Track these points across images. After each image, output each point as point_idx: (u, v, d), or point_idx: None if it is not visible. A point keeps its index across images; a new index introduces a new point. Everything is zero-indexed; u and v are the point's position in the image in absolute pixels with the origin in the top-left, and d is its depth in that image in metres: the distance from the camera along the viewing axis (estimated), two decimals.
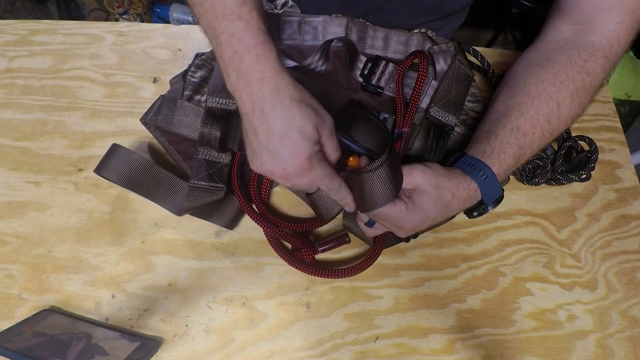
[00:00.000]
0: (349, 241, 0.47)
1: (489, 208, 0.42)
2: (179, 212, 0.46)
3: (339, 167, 0.40)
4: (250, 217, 0.46)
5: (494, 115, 0.44)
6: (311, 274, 0.45)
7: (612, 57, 0.42)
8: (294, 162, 0.34)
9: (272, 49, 0.35)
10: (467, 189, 0.39)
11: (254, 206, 0.47)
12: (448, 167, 0.41)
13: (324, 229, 0.49)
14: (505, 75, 0.48)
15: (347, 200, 0.39)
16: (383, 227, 0.42)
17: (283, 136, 0.33)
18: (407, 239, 0.47)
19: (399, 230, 0.40)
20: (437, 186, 0.38)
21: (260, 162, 0.35)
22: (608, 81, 0.46)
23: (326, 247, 0.47)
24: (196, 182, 0.45)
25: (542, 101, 0.42)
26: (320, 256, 0.48)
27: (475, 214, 0.43)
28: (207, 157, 0.46)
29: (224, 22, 0.34)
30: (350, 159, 0.40)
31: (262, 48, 0.34)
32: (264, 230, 0.47)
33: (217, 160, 0.46)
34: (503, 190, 0.42)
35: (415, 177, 0.38)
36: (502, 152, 0.40)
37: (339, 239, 0.47)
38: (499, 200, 0.42)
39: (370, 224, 0.42)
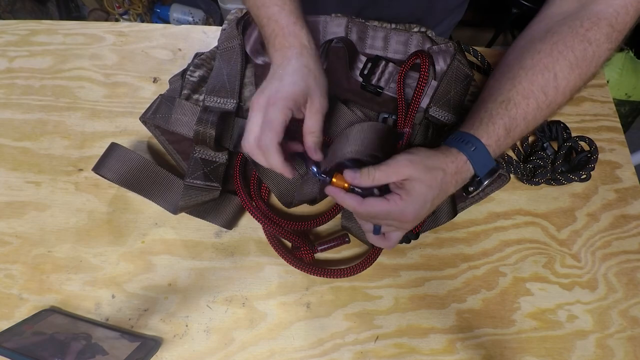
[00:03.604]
0: (349, 241, 0.47)
1: (483, 181, 0.41)
2: (175, 211, 0.46)
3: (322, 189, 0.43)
4: (251, 214, 0.46)
5: (486, 92, 0.43)
6: (310, 274, 0.45)
7: (618, 26, 0.40)
8: (267, 93, 0.38)
9: (302, 27, 0.41)
10: (454, 162, 0.39)
11: (254, 204, 0.47)
12: (433, 148, 0.40)
13: (324, 228, 0.49)
14: (505, 53, 0.47)
15: (276, 167, 0.38)
16: (390, 228, 0.40)
17: (277, 79, 0.39)
18: (407, 240, 0.47)
19: (403, 224, 0.39)
20: (426, 169, 0.37)
21: (258, 92, 0.39)
22: (608, 81, 0.44)
23: (326, 246, 0.47)
24: (191, 180, 0.45)
25: (537, 72, 0.40)
26: (320, 256, 0.48)
27: (471, 189, 0.42)
28: (203, 156, 0.46)
29: (263, 10, 0.42)
30: (334, 180, 0.39)
31: (294, 27, 0.41)
32: (263, 228, 0.47)
33: (213, 159, 0.46)
34: (497, 162, 0.40)
35: (402, 168, 0.37)
36: (490, 124, 0.39)
37: (338, 239, 0.47)
38: (493, 172, 0.41)
39: (376, 230, 0.41)
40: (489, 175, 0.41)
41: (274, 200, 0.50)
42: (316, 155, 0.39)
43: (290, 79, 0.38)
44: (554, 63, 0.40)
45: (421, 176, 0.37)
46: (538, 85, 0.40)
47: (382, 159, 0.38)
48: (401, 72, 0.50)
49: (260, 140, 0.37)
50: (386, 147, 0.41)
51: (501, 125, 0.39)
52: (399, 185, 0.38)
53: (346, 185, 0.39)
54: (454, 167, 0.38)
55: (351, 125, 0.41)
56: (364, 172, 0.37)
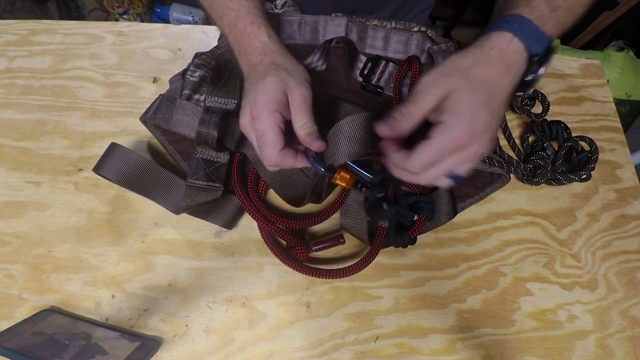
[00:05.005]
0: (344, 242, 0.47)
1: (544, 62, 0.34)
2: (177, 211, 0.46)
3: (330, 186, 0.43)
4: (247, 212, 0.46)
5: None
6: (304, 273, 0.45)
7: None
8: (248, 109, 0.37)
9: (261, 25, 0.40)
10: (495, 46, 0.33)
11: (251, 202, 0.47)
12: (465, 48, 0.35)
13: (320, 228, 0.49)
14: None
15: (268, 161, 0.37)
16: (462, 163, 0.33)
17: (251, 91, 0.38)
18: (404, 245, 0.46)
19: (469, 148, 0.32)
20: (460, 72, 0.32)
21: (241, 113, 0.39)
22: (608, 81, 0.43)
23: (320, 246, 0.47)
24: (194, 181, 0.45)
25: None
26: (317, 255, 0.48)
27: (529, 78, 0.34)
28: (205, 157, 0.46)
29: (225, 18, 0.42)
30: (337, 176, 0.38)
31: (252, 28, 0.40)
32: (258, 226, 0.47)
33: (215, 159, 0.46)
34: (551, 38, 0.34)
35: (433, 86, 0.32)
36: (527, 1, 0.34)
37: (333, 239, 0.47)
38: (549, 52, 0.34)
39: (456, 178, 0.33)
40: (547, 55, 0.34)
41: (271, 198, 0.50)
42: (314, 145, 0.36)
43: (263, 83, 0.37)
44: None
45: (459, 84, 0.31)
46: None
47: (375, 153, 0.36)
48: (396, 79, 0.51)
49: (264, 159, 0.37)
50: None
51: (540, 3, 0.34)
52: (440, 111, 0.32)
53: (348, 177, 0.38)
54: (496, 52, 0.33)
55: (344, 120, 0.38)
56: (397, 116, 0.32)
